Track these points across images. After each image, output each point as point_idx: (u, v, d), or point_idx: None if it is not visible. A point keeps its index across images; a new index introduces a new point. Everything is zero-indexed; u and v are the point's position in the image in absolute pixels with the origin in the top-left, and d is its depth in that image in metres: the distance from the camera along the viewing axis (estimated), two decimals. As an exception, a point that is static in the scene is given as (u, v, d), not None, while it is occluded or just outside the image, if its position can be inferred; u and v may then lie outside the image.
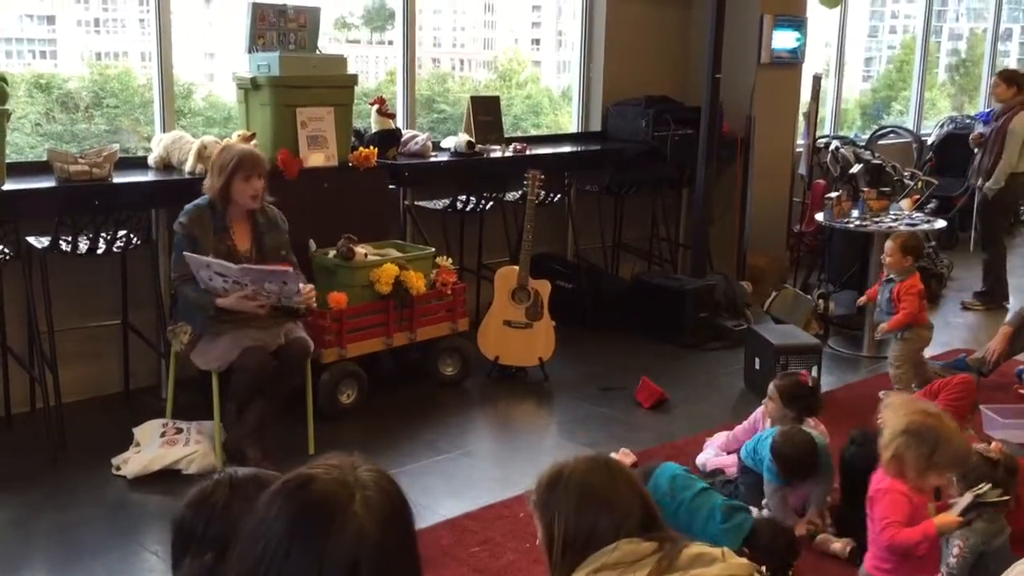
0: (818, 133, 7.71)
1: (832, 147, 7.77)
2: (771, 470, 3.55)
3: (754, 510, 3.52)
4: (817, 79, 7.09)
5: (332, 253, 4.71)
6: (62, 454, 4.14)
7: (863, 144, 8.49)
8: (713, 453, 4.11)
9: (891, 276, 4.99)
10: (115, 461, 4.02)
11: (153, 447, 4.04)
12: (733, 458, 3.92)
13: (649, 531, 1.90)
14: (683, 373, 5.42)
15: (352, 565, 1.30)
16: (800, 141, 7.49)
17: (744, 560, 1.91)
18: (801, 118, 7.41)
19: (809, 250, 7.30)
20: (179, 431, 4.13)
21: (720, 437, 4.18)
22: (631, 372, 5.20)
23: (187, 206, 4.10)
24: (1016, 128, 6.89)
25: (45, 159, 4.49)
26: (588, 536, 1.87)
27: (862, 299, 5.37)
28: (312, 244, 4.75)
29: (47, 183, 4.33)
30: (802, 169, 7.28)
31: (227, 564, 1.39)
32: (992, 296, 7.14)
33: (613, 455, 4.13)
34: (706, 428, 4.39)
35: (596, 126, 6.94)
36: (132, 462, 3.97)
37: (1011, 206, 7.48)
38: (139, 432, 4.14)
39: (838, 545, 3.46)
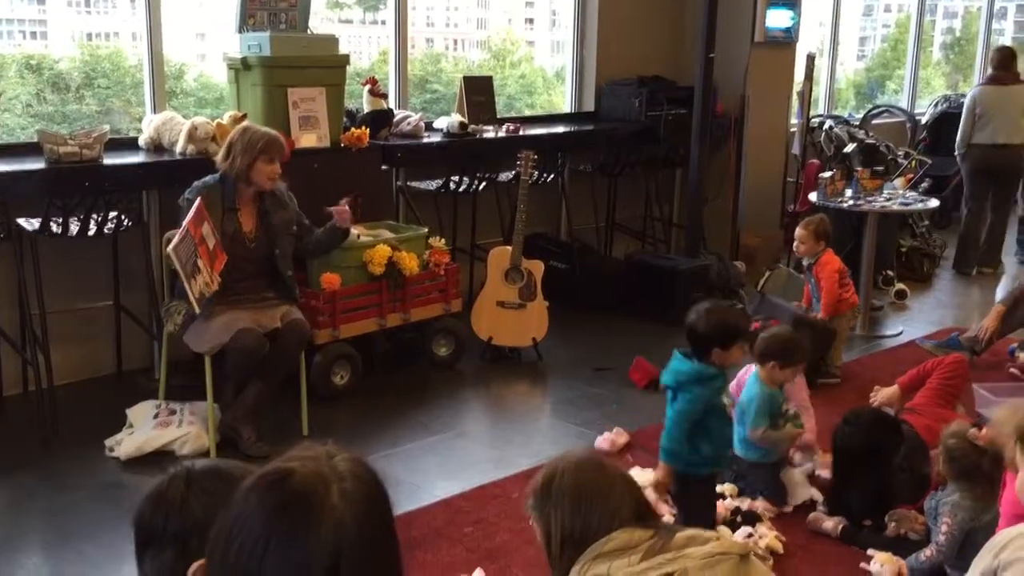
0: (812, 112, 7.68)
1: (826, 126, 7.76)
2: (753, 418, 3.60)
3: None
4: (811, 58, 7.07)
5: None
6: (55, 436, 4.14)
7: (857, 123, 8.48)
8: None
9: (809, 262, 5.05)
10: (108, 443, 4.01)
11: (146, 429, 4.03)
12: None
13: (644, 521, 1.99)
14: (677, 353, 5.41)
15: (333, 558, 1.30)
16: (794, 120, 7.47)
17: (740, 540, 1.96)
18: (795, 97, 7.38)
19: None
20: (172, 412, 4.13)
21: None
22: (625, 352, 5.19)
23: (195, 183, 4.09)
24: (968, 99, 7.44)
25: (36, 140, 4.46)
26: (584, 531, 1.95)
27: (798, 304, 5.26)
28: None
29: (37, 164, 4.29)
30: (796, 149, 7.26)
31: (191, 561, 1.37)
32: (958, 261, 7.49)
33: (607, 434, 4.15)
34: (699, 408, 4.38)
35: (590, 106, 6.91)
36: (125, 444, 3.96)
37: (972, 175, 7.55)
38: (132, 414, 4.14)
39: (830, 523, 3.46)
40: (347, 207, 4.38)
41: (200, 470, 1.59)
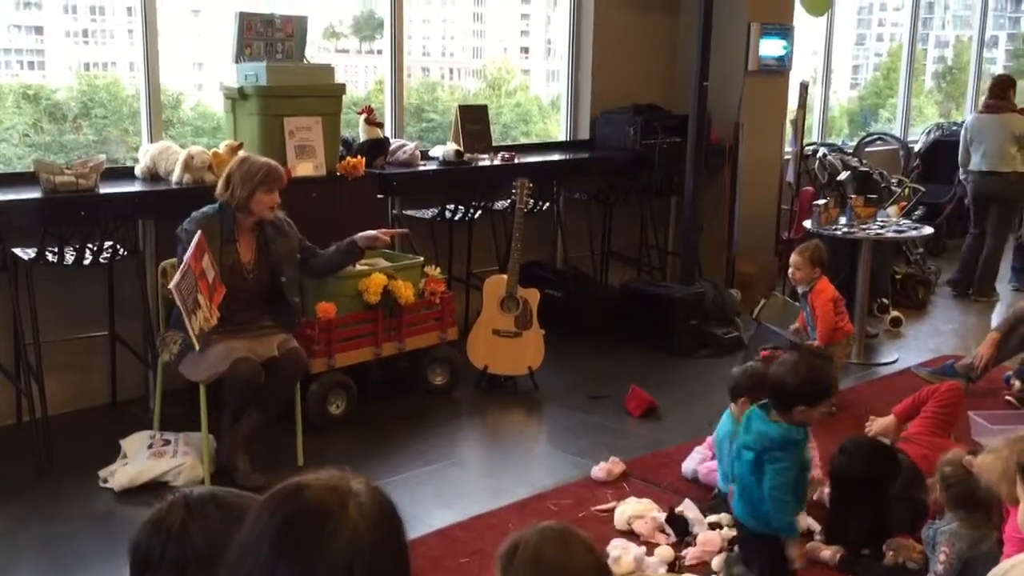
0: (806, 140, 7.72)
1: (820, 154, 7.79)
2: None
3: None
4: (804, 86, 7.11)
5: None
6: (49, 466, 4.11)
7: (850, 151, 8.52)
8: (699, 458, 4.10)
9: (804, 290, 5.06)
10: (102, 473, 3.99)
11: (140, 459, 4.01)
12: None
13: None
14: (673, 381, 5.42)
15: (347, 570, 1.30)
16: (788, 148, 7.50)
17: None
18: (788, 125, 7.42)
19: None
20: (167, 443, 4.11)
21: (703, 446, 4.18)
22: (621, 380, 5.19)
23: (194, 213, 4.09)
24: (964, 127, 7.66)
25: (32, 170, 4.46)
26: None
27: (794, 326, 5.26)
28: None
29: (33, 194, 4.30)
30: (790, 176, 7.29)
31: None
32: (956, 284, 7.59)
33: (603, 464, 4.13)
34: (696, 436, 4.37)
35: (585, 134, 6.94)
36: (119, 474, 3.94)
37: (972, 201, 7.67)
38: (126, 444, 4.11)
39: (827, 552, 3.45)
40: (391, 234, 4.52)
41: (198, 497, 1.59)
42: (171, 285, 3.72)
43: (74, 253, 4.24)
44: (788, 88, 7.40)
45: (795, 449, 3.06)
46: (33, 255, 4.19)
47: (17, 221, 4.22)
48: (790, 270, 5.12)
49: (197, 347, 3.85)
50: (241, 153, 4.31)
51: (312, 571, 1.30)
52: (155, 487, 3.88)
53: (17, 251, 4.24)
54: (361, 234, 4.49)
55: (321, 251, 4.46)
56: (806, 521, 3.65)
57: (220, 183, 4.14)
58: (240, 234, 4.14)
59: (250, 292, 4.16)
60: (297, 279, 4.34)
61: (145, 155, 4.79)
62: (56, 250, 4.19)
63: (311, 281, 4.62)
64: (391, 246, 4.84)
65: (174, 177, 4.64)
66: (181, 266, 3.79)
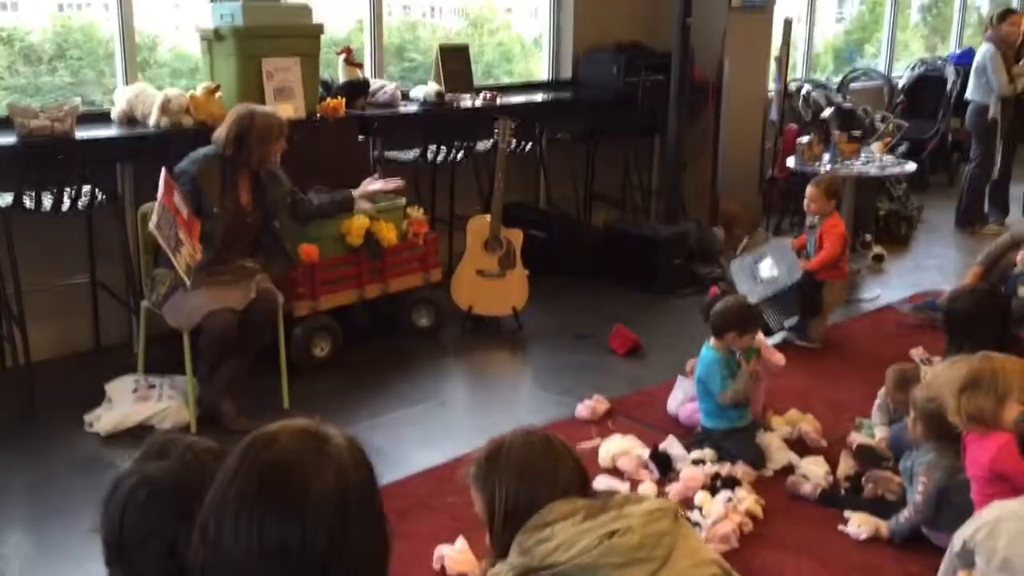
0: (790, 77, 7.67)
1: (804, 91, 7.75)
2: (719, 383, 3.70)
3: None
4: (788, 23, 7.04)
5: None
6: (32, 412, 4.11)
7: (835, 88, 8.47)
8: (681, 397, 4.14)
9: (814, 222, 5.05)
10: (87, 418, 4.00)
11: (126, 403, 4.02)
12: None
13: (586, 495, 2.03)
14: (657, 320, 5.44)
15: (340, 507, 1.30)
16: (771, 86, 7.46)
17: (670, 500, 2.00)
18: (772, 62, 7.37)
19: (781, 195, 7.30)
20: (152, 387, 4.11)
21: (683, 381, 4.21)
22: (605, 320, 5.21)
23: (196, 155, 4.03)
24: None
25: (6, 115, 4.39)
26: (528, 506, 1.99)
27: (791, 240, 5.30)
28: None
29: (8, 139, 4.23)
30: (773, 114, 7.26)
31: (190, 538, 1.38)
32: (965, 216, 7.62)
33: (587, 402, 4.16)
34: (680, 374, 4.40)
35: (567, 74, 6.87)
36: (105, 419, 3.95)
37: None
38: (111, 388, 4.11)
39: (808, 487, 3.50)
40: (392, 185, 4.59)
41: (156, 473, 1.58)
42: (151, 227, 3.69)
43: (52, 199, 4.19)
44: (772, 24, 7.33)
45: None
46: (10, 202, 4.14)
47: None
48: (805, 201, 5.07)
49: (188, 284, 3.81)
50: (239, 107, 4.14)
51: (302, 515, 1.29)
52: (141, 431, 3.89)
53: (-6, 197, 4.19)
54: (359, 190, 4.55)
55: (308, 198, 4.45)
56: (787, 455, 3.71)
57: (224, 137, 4.02)
58: (240, 178, 4.12)
59: (243, 233, 4.15)
60: (290, 224, 4.37)
61: (121, 98, 4.72)
62: (33, 197, 4.14)
63: (293, 225, 4.60)
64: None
65: (151, 120, 4.58)
66: (156, 207, 3.75)
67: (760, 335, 3.92)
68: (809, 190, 5.05)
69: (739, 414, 3.75)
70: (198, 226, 3.93)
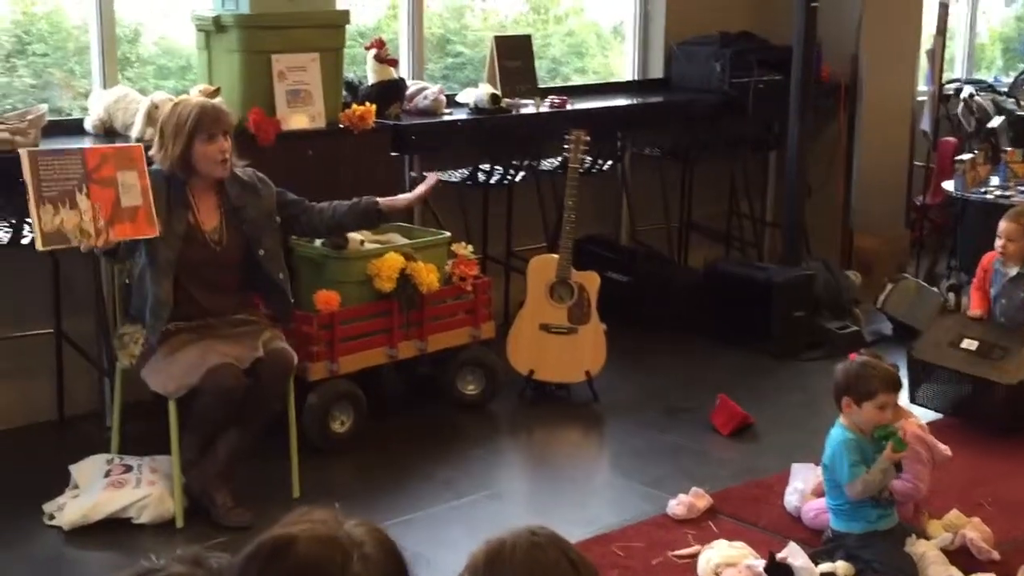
0: (946, 76, 7.64)
1: (964, 95, 7.71)
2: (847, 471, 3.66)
3: None
4: (944, 6, 7.03)
5: (320, 241, 4.73)
6: (-18, 499, 4.19)
7: (1005, 90, 8.42)
8: (801, 486, 4.12)
9: (1019, 271, 4.87)
10: (47, 508, 4.05)
11: (95, 490, 4.06)
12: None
13: None
14: (772, 390, 5.43)
15: None
16: (922, 88, 7.43)
17: None
18: (923, 58, 7.35)
19: (935, 229, 7.25)
20: (127, 469, 4.15)
21: (804, 469, 4.19)
22: (705, 389, 5.20)
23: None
24: None
25: (-43, 124, 4.53)
26: None
27: (974, 311, 5.06)
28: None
29: (-41, 155, 4.37)
30: (925, 124, 7.22)
31: None
32: None
33: (683, 496, 4.15)
34: (803, 461, 4.38)
35: (657, 72, 6.93)
36: (69, 509, 4.00)
37: None
38: (77, 471, 4.16)
39: None
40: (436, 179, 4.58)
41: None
42: (23, 149, 3.70)
43: (9, 230, 4.30)
44: (923, 9, 7.32)
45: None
46: (-40, 233, 4.26)
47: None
48: (998, 241, 4.86)
49: (40, 246, 3.77)
50: (176, 99, 4.25)
51: None
52: (113, 525, 3.93)
53: (-61, 228, 4.32)
54: (388, 199, 4.50)
55: (314, 204, 4.42)
56: (948, 569, 3.66)
57: (155, 142, 4.12)
58: (197, 195, 4.15)
59: (219, 267, 4.18)
60: (279, 251, 4.33)
61: (98, 104, 4.84)
62: (-13, 226, 4.25)
63: (305, 264, 4.66)
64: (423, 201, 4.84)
65: (134, 132, 4.68)
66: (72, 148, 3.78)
67: (915, 415, 3.88)
68: (1004, 226, 4.83)
69: (880, 513, 3.70)
70: (141, 231, 3.92)
